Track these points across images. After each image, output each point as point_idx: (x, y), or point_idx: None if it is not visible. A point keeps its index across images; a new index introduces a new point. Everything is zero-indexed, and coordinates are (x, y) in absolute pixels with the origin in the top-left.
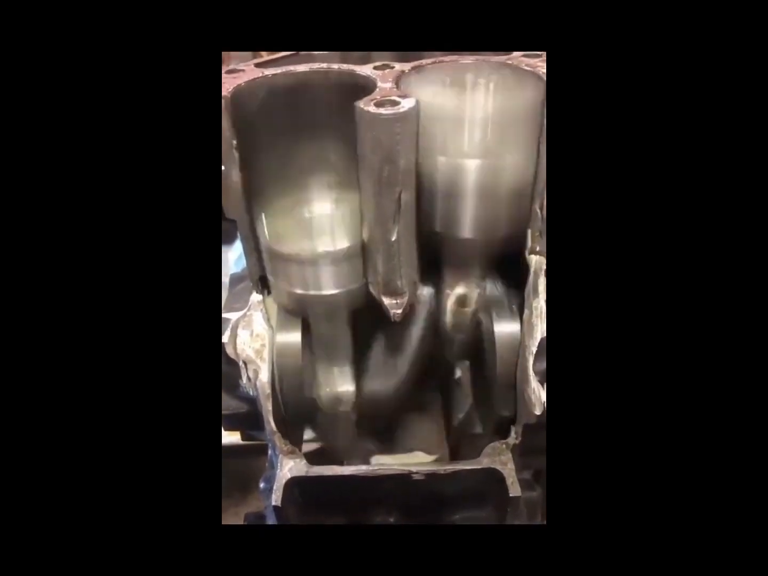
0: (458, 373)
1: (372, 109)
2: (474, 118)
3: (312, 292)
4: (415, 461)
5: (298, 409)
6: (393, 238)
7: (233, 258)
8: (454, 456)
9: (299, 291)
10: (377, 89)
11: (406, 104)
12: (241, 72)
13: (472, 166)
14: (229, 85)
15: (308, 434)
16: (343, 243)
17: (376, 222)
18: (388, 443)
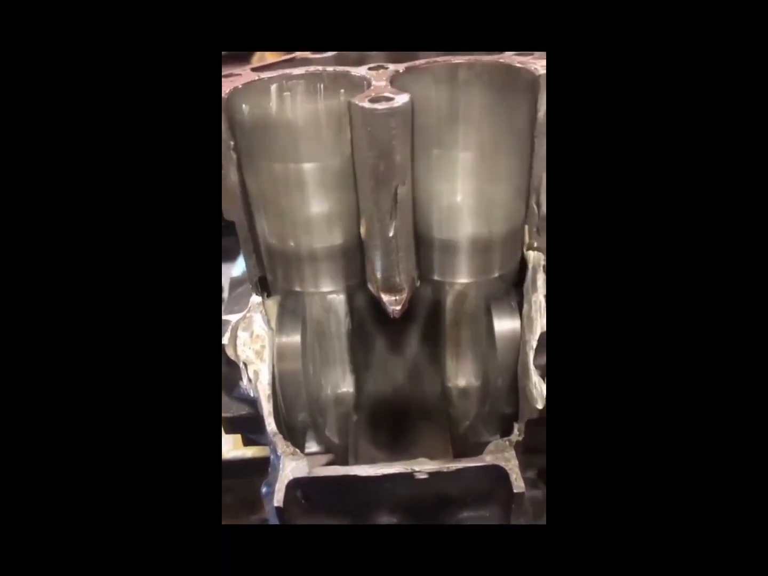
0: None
1: (367, 104)
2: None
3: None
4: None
5: (298, 412)
6: (391, 234)
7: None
8: None
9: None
10: (372, 87)
11: (400, 99)
12: (237, 76)
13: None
14: (225, 87)
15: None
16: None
17: (373, 217)
18: (392, 451)
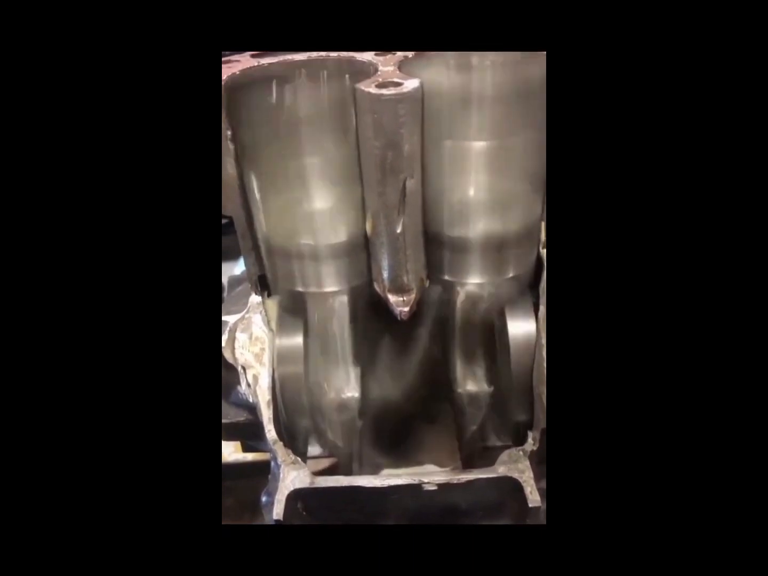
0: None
1: (373, 90)
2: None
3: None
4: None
5: (300, 418)
6: (398, 231)
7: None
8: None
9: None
10: (378, 72)
11: (410, 85)
12: (236, 62)
13: None
14: (223, 74)
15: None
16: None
17: (379, 213)
18: (397, 456)
